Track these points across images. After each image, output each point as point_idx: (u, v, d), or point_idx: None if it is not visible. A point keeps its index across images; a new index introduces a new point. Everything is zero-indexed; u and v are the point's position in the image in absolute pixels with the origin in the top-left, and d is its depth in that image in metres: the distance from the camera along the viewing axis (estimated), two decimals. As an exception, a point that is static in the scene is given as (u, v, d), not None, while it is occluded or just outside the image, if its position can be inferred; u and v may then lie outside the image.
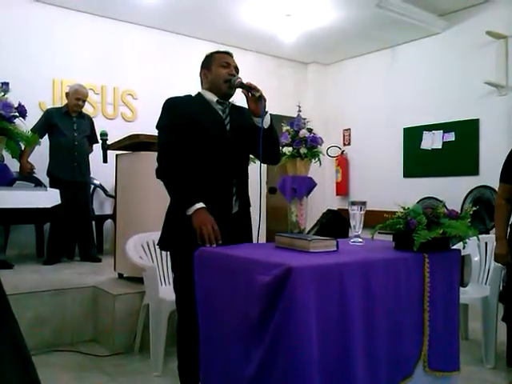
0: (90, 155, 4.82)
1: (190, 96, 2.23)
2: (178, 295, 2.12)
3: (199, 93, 2.24)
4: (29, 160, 4.41)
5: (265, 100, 2.09)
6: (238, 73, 2.21)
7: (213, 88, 2.19)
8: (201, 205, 1.97)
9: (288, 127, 3.23)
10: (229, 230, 2.05)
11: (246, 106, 2.17)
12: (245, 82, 2.13)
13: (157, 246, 3.20)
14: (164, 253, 3.28)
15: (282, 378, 1.43)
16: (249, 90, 2.09)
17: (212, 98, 2.18)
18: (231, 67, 2.19)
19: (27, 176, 4.34)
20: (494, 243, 2.87)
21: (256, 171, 2.19)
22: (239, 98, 2.28)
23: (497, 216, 2.79)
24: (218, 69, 2.17)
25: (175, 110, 2.13)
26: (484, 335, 3.04)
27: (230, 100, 2.25)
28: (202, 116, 2.10)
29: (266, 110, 2.13)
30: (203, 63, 2.26)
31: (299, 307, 1.43)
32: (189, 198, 2.00)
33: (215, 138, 2.10)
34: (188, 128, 2.07)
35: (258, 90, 2.08)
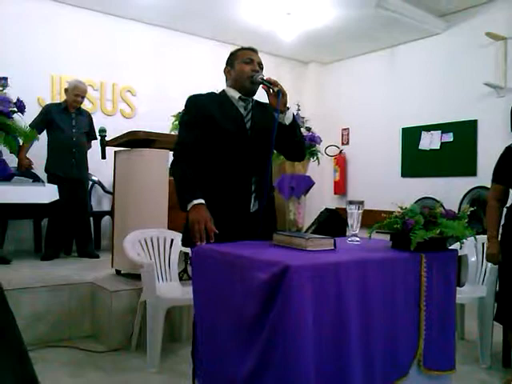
0: (89, 151, 4.81)
1: (213, 93, 2.23)
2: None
3: (223, 90, 2.24)
4: (27, 156, 4.40)
5: (284, 95, 2.06)
6: (262, 69, 2.19)
7: (236, 85, 2.18)
8: (199, 201, 1.96)
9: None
10: (248, 228, 2.05)
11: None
12: (265, 77, 2.11)
13: (155, 243, 3.26)
14: (162, 250, 3.29)
15: (278, 376, 1.44)
16: (268, 85, 2.08)
17: (235, 94, 2.17)
18: (255, 63, 2.17)
19: (25, 171, 4.34)
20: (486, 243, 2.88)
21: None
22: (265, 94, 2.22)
23: (488, 216, 2.80)
24: (241, 65, 2.16)
25: (195, 107, 2.13)
26: (480, 335, 3.06)
27: (255, 97, 2.23)
28: (221, 114, 2.10)
29: (288, 106, 2.11)
30: (227, 60, 2.25)
31: (296, 305, 1.44)
32: (188, 194, 1.99)
33: (233, 137, 2.09)
34: (206, 126, 2.07)
35: (276, 85, 2.07)
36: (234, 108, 2.16)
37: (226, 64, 2.25)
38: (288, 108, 2.12)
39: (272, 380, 1.45)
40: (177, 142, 2.15)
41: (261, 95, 2.21)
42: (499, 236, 2.81)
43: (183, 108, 2.19)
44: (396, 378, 1.71)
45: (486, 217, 2.91)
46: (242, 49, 2.24)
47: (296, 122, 2.18)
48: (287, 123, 2.12)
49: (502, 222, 2.85)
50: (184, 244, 2.22)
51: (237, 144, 2.09)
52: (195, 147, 2.09)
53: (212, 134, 2.08)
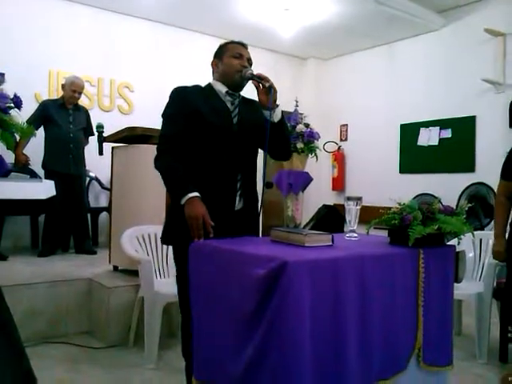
0: (86, 147, 4.80)
1: (198, 86, 2.16)
2: (180, 289, 2.06)
3: (209, 83, 2.17)
4: (24, 152, 4.39)
5: (275, 91, 2.02)
6: (251, 65, 2.14)
7: (223, 79, 2.13)
8: (194, 194, 1.90)
9: (285, 122, 3.21)
10: (232, 226, 2.01)
11: (257, 99, 2.10)
12: (255, 73, 2.07)
13: (153, 239, 3.25)
14: (159, 246, 3.29)
15: (275, 371, 1.43)
16: (259, 80, 2.04)
17: (221, 89, 2.12)
18: (244, 58, 2.12)
19: (22, 168, 4.32)
20: (491, 240, 2.88)
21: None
22: (251, 91, 2.18)
23: (497, 213, 2.78)
24: (230, 59, 2.11)
25: (180, 100, 2.06)
26: (477, 331, 3.07)
27: (242, 93, 2.18)
28: (206, 108, 2.04)
29: (278, 103, 2.08)
30: (216, 53, 2.19)
31: (293, 301, 1.43)
32: (182, 187, 1.94)
33: (219, 131, 2.03)
34: (191, 119, 2.01)
35: (267, 81, 2.03)
36: (221, 102, 2.10)
37: (214, 56, 2.19)
38: (277, 105, 2.08)
39: (269, 374, 1.45)
40: (160, 134, 2.09)
41: (248, 91, 2.17)
42: (507, 234, 2.81)
43: (168, 100, 2.11)
44: (394, 372, 1.72)
45: (494, 213, 2.90)
46: (232, 42, 2.18)
47: (284, 120, 2.14)
48: (276, 120, 2.08)
49: (510, 219, 2.84)
50: (165, 241, 2.16)
51: (222, 139, 2.03)
52: (180, 140, 2.03)
53: (197, 127, 2.02)
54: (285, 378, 1.42)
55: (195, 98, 2.06)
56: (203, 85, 2.18)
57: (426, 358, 1.81)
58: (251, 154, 2.13)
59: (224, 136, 2.04)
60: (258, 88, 2.06)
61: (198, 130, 2.02)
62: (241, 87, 2.15)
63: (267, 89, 2.02)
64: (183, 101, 2.05)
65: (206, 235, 1.87)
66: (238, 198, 2.06)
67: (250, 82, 2.10)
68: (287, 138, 2.21)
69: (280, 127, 2.10)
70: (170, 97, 2.11)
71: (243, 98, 2.20)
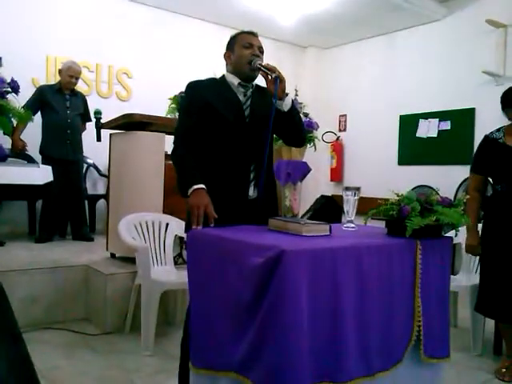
0: (84, 134, 4.78)
1: (212, 79, 2.20)
2: None
3: (223, 75, 2.20)
4: (21, 137, 4.37)
5: (282, 81, 2.03)
6: (262, 53, 2.15)
7: (235, 70, 2.14)
8: (199, 186, 1.94)
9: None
10: (246, 215, 2.03)
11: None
12: (263, 63, 2.08)
13: (150, 227, 3.25)
14: (157, 233, 3.29)
15: (273, 359, 1.44)
16: (266, 71, 2.04)
17: (234, 80, 2.14)
18: (254, 47, 2.12)
19: (19, 153, 4.30)
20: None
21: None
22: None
23: (469, 207, 2.75)
24: (241, 50, 2.11)
25: (194, 93, 2.11)
26: (472, 323, 3.08)
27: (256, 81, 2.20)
28: (218, 100, 2.07)
29: (287, 92, 2.08)
30: (227, 45, 2.20)
31: (291, 290, 1.44)
32: (189, 179, 1.97)
33: (231, 123, 2.06)
34: (204, 112, 2.05)
35: (275, 71, 2.03)
36: (233, 94, 2.13)
37: (227, 49, 2.21)
38: (287, 94, 2.09)
39: (267, 363, 1.45)
40: (176, 127, 2.15)
41: (261, 80, 2.17)
42: (479, 227, 2.83)
43: (182, 94, 2.18)
44: (391, 363, 1.72)
45: (466, 208, 2.87)
46: (242, 33, 2.19)
47: (295, 108, 2.16)
48: (286, 110, 2.09)
49: (483, 213, 2.86)
50: (187, 231, 2.19)
51: (235, 131, 2.07)
52: (194, 133, 2.08)
53: (210, 120, 2.06)
54: (283, 366, 1.43)
55: (208, 91, 2.10)
56: (216, 76, 2.21)
57: (423, 349, 1.81)
58: (264, 143, 2.11)
59: (236, 128, 2.07)
60: (266, 78, 2.07)
61: (211, 122, 2.06)
62: (252, 78, 2.16)
63: (274, 79, 2.02)
64: (196, 94, 2.10)
65: (206, 225, 1.87)
66: (252, 188, 2.09)
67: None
68: (299, 125, 2.23)
69: (290, 115, 2.12)
70: (185, 91, 2.16)
71: (257, 86, 2.22)
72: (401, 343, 1.77)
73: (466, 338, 3.17)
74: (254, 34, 2.18)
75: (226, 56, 2.20)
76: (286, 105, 2.09)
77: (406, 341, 1.78)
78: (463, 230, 2.82)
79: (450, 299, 2.37)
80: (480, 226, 2.91)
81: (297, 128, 2.20)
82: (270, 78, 2.04)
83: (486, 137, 2.86)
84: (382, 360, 1.69)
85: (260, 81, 2.20)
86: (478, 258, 3.38)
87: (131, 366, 2.73)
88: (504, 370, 2.76)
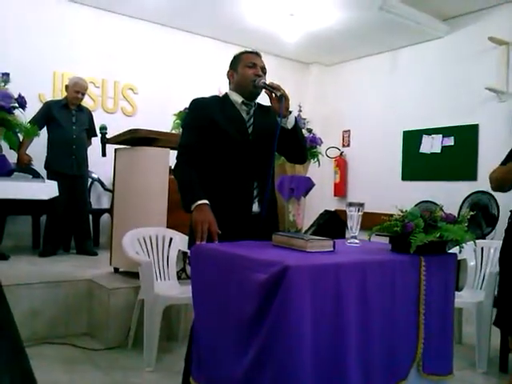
0: (89, 149, 4.81)
1: (216, 97, 2.24)
2: None
3: (226, 93, 2.24)
4: (27, 152, 4.40)
5: (287, 99, 2.07)
6: (265, 73, 2.19)
7: (238, 89, 2.18)
8: (203, 201, 1.95)
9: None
10: (249, 230, 2.04)
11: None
12: (267, 82, 2.12)
13: (154, 242, 3.25)
14: (160, 248, 3.29)
15: (276, 376, 1.43)
16: (271, 90, 2.08)
17: (237, 99, 2.18)
18: (257, 67, 2.16)
19: (25, 168, 4.33)
20: (492, 250, 2.80)
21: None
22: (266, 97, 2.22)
23: (497, 172, 2.62)
24: (244, 69, 2.16)
25: (198, 110, 2.15)
26: (477, 340, 3.05)
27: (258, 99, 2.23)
28: (222, 118, 2.10)
29: (290, 110, 2.12)
30: (231, 64, 2.25)
31: (295, 306, 1.43)
32: (192, 195, 1.98)
33: (235, 141, 2.09)
34: (208, 130, 2.08)
35: (279, 90, 2.07)
36: (237, 112, 2.16)
37: (230, 67, 2.25)
38: (290, 112, 2.12)
39: (269, 378, 1.44)
40: (179, 144, 2.16)
41: (264, 98, 2.21)
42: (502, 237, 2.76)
43: (187, 110, 2.20)
44: (395, 381, 1.71)
45: (498, 178, 2.69)
46: (246, 52, 2.23)
47: (298, 126, 2.18)
48: (289, 127, 2.12)
49: (505, 226, 2.81)
50: (190, 247, 2.20)
51: (238, 148, 2.09)
52: (197, 150, 2.10)
53: (214, 137, 2.09)
54: (285, 382, 1.42)
55: (212, 108, 2.13)
56: (218, 94, 2.25)
57: (426, 366, 1.80)
58: (267, 161, 2.14)
59: (239, 145, 2.10)
60: (270, 96, 2.10)
61: (215, 139, 2.09)
62: (255, 96, 2.20)
63: (279, 97, 2.05)
64: (200, 112, 2.13)
65: (210, 241, 1.89)
66: (255, 204, 2.12)
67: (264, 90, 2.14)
68: (302, 142, 2.27)
69: (294, 133, 2.15)
70: (189, 108, 2.20)
71: (259, 105, 2.25)
72: (405, 360, 1.75)
73: (471, 355, 3.14)
74: (257, 54, 2.22)
75: (229, 75, 2.24)
76: (290, 122, 2.12)
77: (411, 358, 1.77)
78: (467, 246, 2.80)
79: (455, 316, 2.36)
80: (490, 241, 2.85)
81: (299, 145, 2.23)
82: (274, 96, 2.07)
83: None
84: (385, 377, 1.67)
85: (262, 99, 2.23)
86: (482, 274, 3.37)
87: (133, 382, 2.71)
88: (510, 388, 2.72)
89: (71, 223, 4.70)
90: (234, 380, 1.57)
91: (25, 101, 2.49)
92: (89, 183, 5.22)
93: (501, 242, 2.76)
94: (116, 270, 3.80)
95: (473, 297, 3.21)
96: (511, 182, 2.60)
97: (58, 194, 2.53)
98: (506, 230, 2.78)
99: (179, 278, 3.47)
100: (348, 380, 1.54)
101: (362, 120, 6.82)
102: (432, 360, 1.81)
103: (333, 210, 6.23)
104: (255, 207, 2.11)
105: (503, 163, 2.72)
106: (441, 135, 5.83)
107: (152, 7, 5.51)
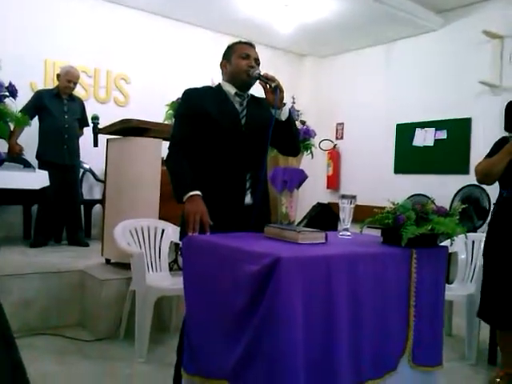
0: (81, 139, 4.77)
1: (209, 87, 2.22)
2: None
3: (219, 84, 2.22)
4: (17, 142, 4.36)
5: (282, 91, 2.05)
6: (258, 65, 2.17)
7: (232, 80, 2.16)
8: (195, 192, 1.94)
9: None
10: (241, 222, 2.04)
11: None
12: (262, 73, 2.10)
13: (146, 233, 3.24)
14: (152, 240, 3.28)
15: (267, 366, 1.43)
16: (265, 81, 2.06)
17: (230, 90, 2.16)
18: (251, 59, 2.14)
19: (16, 157, 4.29)
20: (483, 243, 2.82)
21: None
22: (260, 89, 2.19)
23: (485, 162, 2.65)
24: (238, 60, 2.14)
25: (190, 101, 2.12)
26: (467, 332, 3.09)
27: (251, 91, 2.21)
28: (215, 109, 2.08)
29: (284, 101, 2.11)
30: (224, 54, 2.22)
31: (286, 297, 1.44)
32: (184, 186, 1.97)
33: (227, 132, 2.08)
34: (200, 120, 2.06)
35: (274, 81, 2.05)
36: (230, 103, 2.14)
37: (223, 58, 2.22)
38: (284, 104, 2.11)
39: (261, 370, 1.45)
40: (171, 134, 2.15)
41: (257, 90, 2.19)
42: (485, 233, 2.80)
43: (179, 101, 2.18)
44: (384, 372, 1.72)
45: (483, 170, 2.70)
46: (240, 43, 2.21)
47: (292, 117, 2.18)
48: (283, 119, 2.11)
49: (489, 218, 2.83)
50: (182, 238, 2.20)
51: (231, 140, 2.08)
52: (189, 141, 2.08)
53: (206, 128, 2.07)
54: (276, 374, 1.42)
55: (205, 99, 2.11)
56: (211, 84, 2.23)
57: (415, 358, 1.82)
58: (260, 152, 2.14)
59: (232, 137, 2.08)
60: (264, 88, 2.08)
61: (207, 130, 2.07)
62: (249, 87, 2.18)
63: (273, 89, 2.04)
64: (193, 102, 2.11)
65: (202, 232, 1.88)
66: (248, 196, 2.11)
67: (258, 81, 2.12)
68: (295, 135, 2.26)
69: (288, 125, 2.14)
70: (182, 98, 2.17)
71: (252, 96, 2.23)
72: (395, 351, 1.77)
73: (461, 347, 3.18)
74: (251, 45, 2.20)
75: (223, 65, 2.22)
76: (284, 114, 2.11)
77: (400, 350, 1.78)
78: (458, 239, 2.82)
79: (445, 308, 2.38)
80: (481, 234, 2.89)
81: (292, 137, 2.22)
82: (268, 87, 2.06)
83: (504, 137, 2.76)
84: (375, 368, 1.69)
85: (255, 91, 2.21)
86: (473, 267, 3.39)
87: (124, 373, 2.71)
88: (498, 379, 2.75)
89: (63, 214, 4.68)
90: (225, 371, 1.58)
91: (15, 89, 2.46)
92: (80, 174, 5.19)
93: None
94: (108, 261, 3.78)
95: (463, 290, 3.24)
96: (496, 174, 2.64)
97: (49, 183, 2.51)
98: (490, 223, 2.81)
99: (171, 269, 3.47)
100: (338, 370, 1.55)
101: (356, 112, 6.82)
102: (422, 351, 1.83)
103: (325, 202, 6.23)
104: (247, 199, 2.11)
105: (488, 155, 2.74)
106: (434, 128, 5.85)
107: (145, -4, 5.46)
